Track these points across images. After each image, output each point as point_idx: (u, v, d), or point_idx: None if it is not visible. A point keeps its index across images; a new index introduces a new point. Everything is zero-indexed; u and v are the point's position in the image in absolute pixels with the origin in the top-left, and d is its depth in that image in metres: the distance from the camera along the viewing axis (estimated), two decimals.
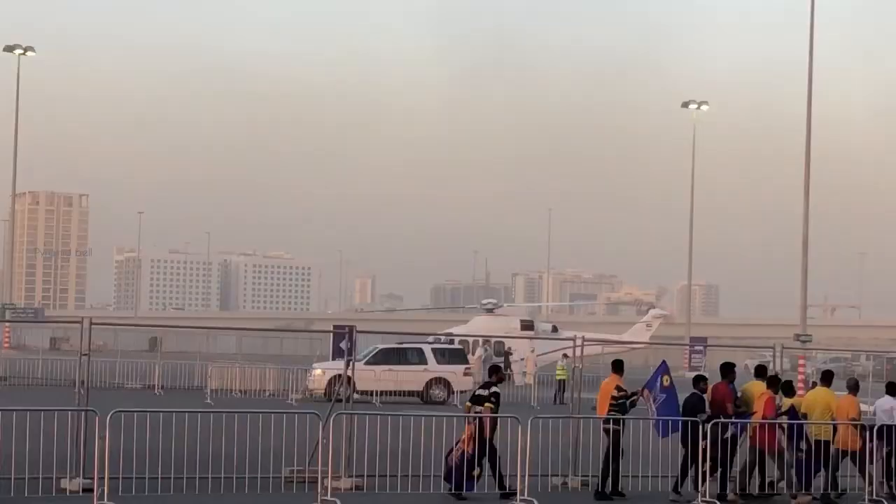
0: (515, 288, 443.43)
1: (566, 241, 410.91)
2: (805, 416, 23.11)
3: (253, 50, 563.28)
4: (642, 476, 23.54)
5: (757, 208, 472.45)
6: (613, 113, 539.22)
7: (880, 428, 22.96)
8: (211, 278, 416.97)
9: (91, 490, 18.73)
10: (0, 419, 20.15)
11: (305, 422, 21.78)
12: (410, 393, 49.61)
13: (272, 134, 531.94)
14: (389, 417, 23.54)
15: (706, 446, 21.83)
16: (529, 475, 21.05)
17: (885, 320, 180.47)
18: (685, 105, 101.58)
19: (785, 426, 22.67)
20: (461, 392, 51.66)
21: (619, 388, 22.87)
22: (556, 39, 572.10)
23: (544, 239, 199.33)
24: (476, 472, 21.73)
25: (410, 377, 49.76)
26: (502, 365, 72.80)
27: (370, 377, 47.56)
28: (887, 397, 23.67)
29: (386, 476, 22.31)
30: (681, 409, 22.67)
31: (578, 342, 26.25)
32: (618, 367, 23.35)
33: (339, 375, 49.52)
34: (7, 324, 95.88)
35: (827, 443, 22.97)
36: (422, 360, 51.13)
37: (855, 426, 22.89)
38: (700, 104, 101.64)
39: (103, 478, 18.41)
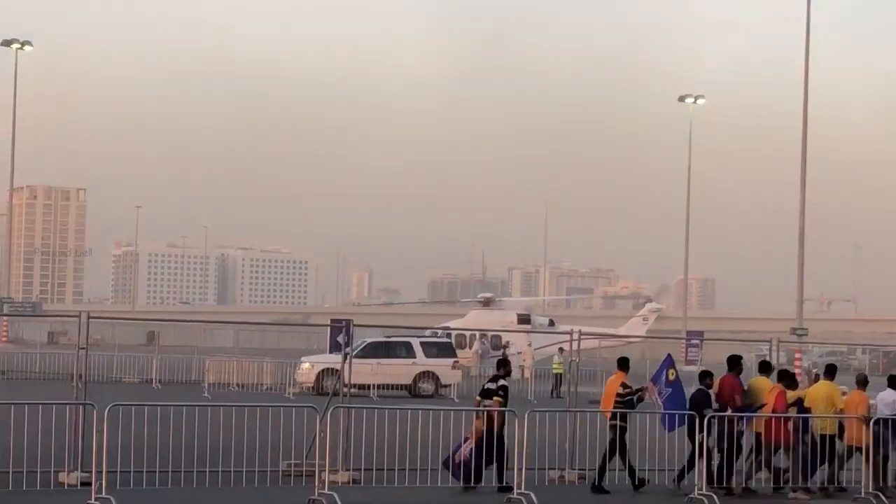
0: (512, 282, 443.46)
1: (563, 236, 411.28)
2: (808, 410, 23.16)
3: (252, 47, 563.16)
4: (649, 469, 23.59)
5: (753, 203, 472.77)
6: (610, 109, 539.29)
7: (886, 421, 22.97)
8: (208, 272, 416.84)
9: (89, 483, 18.78)
10: None
11: (303, 415, 21.82)
12: (399, 387, 49.49)
13: (270, 129, 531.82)
14: (387, 411, 23.58)
15: (703, 440, 21.89)
16: (526, 468, 21.12)
17: (880, 314, 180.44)
18: (682, 99, 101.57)
19: (792, 419, 22.71)
20: (449, 386, 51.82)
21: (624, 385, 22.92)
22: (553, 37, 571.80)
23: (541, 233, 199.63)
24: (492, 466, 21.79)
25: (399, 371, 49.67)
26: (502, 357, 73.03)
27: (363, 371, 47.56)
28: (889, 390, 23.73)
29: (383, 470, 22.36)
30: (687, 405, 22.71)
31: (575, 336, 26.30)
32: (623, 364, 23.37)
33: (328, 369, 50.10)
34: (5, 318, 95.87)
35: (831, 437, 23.01)
36: (410, 353, 51.12)
37: (866, 422, 22.91)
38: (696, 98, 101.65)
39: (101, 471, 18.45)
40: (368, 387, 46.73)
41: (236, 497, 20.35)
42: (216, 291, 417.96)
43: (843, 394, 23.87)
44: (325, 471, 19.90)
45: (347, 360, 23.39)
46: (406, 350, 51.13)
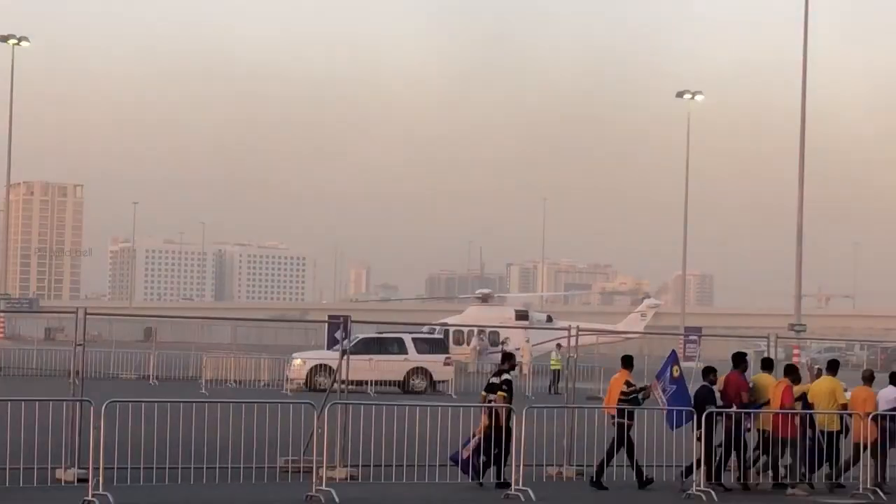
0: (510, 278, 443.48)
1: (561, 232, 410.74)
2: (811, 406, 23.14)
3: (251, 45, 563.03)
4: (656, 466, 23.55)
5: (752, 199, 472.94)
6: (608, 104, 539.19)
7: (885, 417, 22.96)
8: (206, 269, 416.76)
9: (86, 480, 18.73)
10: None
11: (300, 412, 21.79)
12: (391, 383, 49.36)
13: (268, 126, 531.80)
14: (384, 407, 23.54)
15: (704, 436, 21.86)
16: (524, 465, 21.10)
17: (879, 310, 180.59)
18: (679, 95, 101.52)
19: (798, 414, 22.68)
20: (441, 382, 51.78)
21: (628, 384, 22.89)
22: (552, 36, 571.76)
23: (539, 229, 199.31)
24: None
25: (391, 367, 49.54)
26: (501, 351, 73.00)
27: (355, 367, 47.36)
28: (891, 387, 23.71)
29: (381, 466, 22.33)
30: (692, 402, 22.69)
31: (573, 332, 26.26)
32: (627, 362, 23.29)
33: (319, 365, 50.05)
34: (2, 314, 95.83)
35: (833, 433, 22.99)
36: (402, 349, 51.02)
37: (873, 418, 22.89)
38: (694, 94, 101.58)
39: (98, 468, 18.41)
40: (360, 383, 46.59)
41: (233, 493, 20.32)
42: (213, 288, 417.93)
43: (845, 390, 23.84)
44: (322, 467, 19.87)
45: (345, 357, 23.34)
46: (398, 346, 51.03)
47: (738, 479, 22.90)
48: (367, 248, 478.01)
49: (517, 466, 20.92)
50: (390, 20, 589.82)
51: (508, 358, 23.19)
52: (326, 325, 56.24)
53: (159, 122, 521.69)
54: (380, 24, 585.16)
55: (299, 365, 50.69)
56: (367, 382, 47.80)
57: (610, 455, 22.59)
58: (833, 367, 24.05)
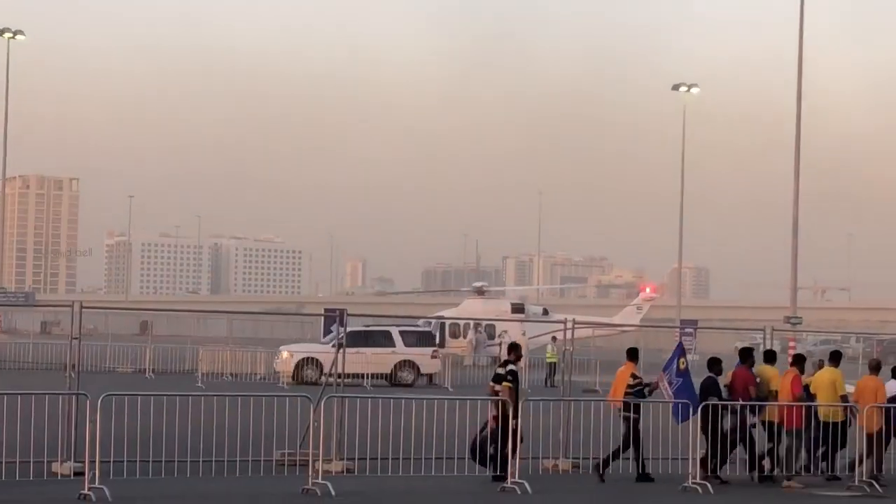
0: (506, 271, 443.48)
1: (557, 225, 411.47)
2: (814, 397, 23.17)
3: (248, 39, 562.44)
4: (662, 459, 23.56)
5: (747, 192, 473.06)
6: (605, 100, 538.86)
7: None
8: (202, 262, 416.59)
9: (82, 473, 18.74)
10: None
11: (296, 405, 21.79)
12: (378, 375, 49.17)
13: (264, 120, 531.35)
14: (380, 400, 23.54)
15: (700, 428, 21.88)
16: (520, 457, 21.11)
17: (874, 302, 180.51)
18: (675, 88, 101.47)
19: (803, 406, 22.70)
20: (429, 375, 51.74)
21: (634, 376, 22.88)
22: (549, 32, 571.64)
23: (535, 222, 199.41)
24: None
25: (378, 360, 49.38)
26: (505, 343, 72.96)
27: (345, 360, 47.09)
28: (893, 381, 23.75)
29: (377, 459, 22.34)
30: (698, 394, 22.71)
31: (569, 325, 26.27)
32: (633, 354, 23.28)
33: (307, 358, 49.98)
34: None
35: (835, 424, 23.01)
36: (389, 342, 50.90)
37: (879, 408, 22.94)
38: (690, 87, 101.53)
39: (94, 461, 18.42)
40: (347, 375, 46.40)
41: (230, 487, 20.32)
42: (209, 281, 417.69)
43: (849, 384, 23.91)
44: (318, 460, 19.88)
45: (341, 350, 23.34)
46: (385, 339, 50.86)
47: (751, 472, 22.84)
48: (363, 241, 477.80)
49: (513, 459, 20.94)
50: (389, 18, 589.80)
51: (514, 349, 23.19)
52: (322, 318, 56.19)
53: (155, 116, 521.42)
54: (378, 21, 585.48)
55: (286, 358, 50.69)
56: (353, 375, 47.80)
57: (619, 450, 22.58)
58: (835, 357, 24.08)
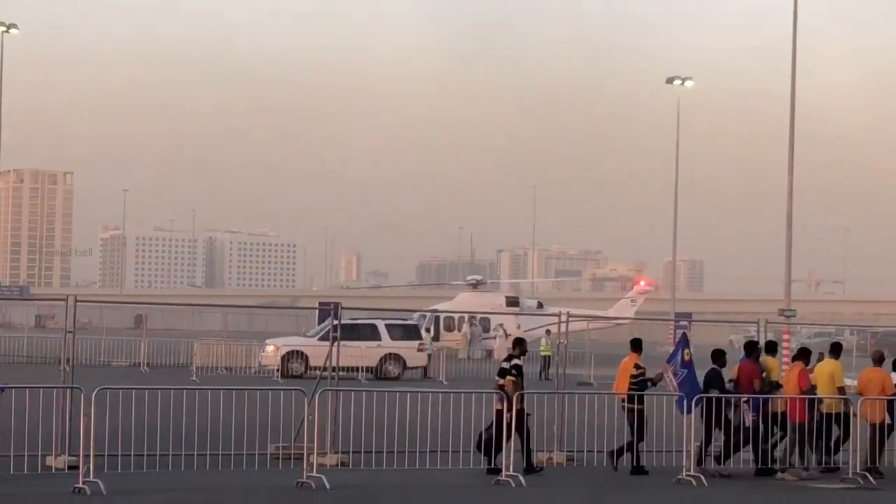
0: (501, 264, 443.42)
1: (551, 218, 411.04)
2: (814, 388, 23.24)
3: (242, 30, 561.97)
4: (657, 451, 23.58)
5: (742, 185, 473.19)
6: (599, 92, 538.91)
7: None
8: (196, 256, 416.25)
9: (76, 467, 18.74)
10: None
11: (291, 398, 21.80)
12: (364, 369, 49.10)
13: (259, 113, 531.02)
14: (375, 394, 23.57)
15: (692, 420, 21.92)
16: (514, 450, 21.14)
17: (868, 295, 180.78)
18: (670, 81, 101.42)
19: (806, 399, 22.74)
20: (422, 368, 51.71)
21: (637, 366, 22.94)
22: (543, 22, 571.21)
23: (529, 216, 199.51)
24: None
25: (364, 353, 49.32)
26: (491, 337, 72.68)
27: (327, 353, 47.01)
28: (894, 374, 23.81)
29: (372, 452, 22.35)
30: (701, 385, 22.76)
31: (563, 318, 26.28)
32: (636, 345, 23.38)
33: (293, 352, 49.96)
34: None
35: (834, 415, 23.06)
36: (375, 335, 50.82)
37: (882, 399, 23.01)
38: (684, 80, 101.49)
39: (89, 455, 18.42)
40: (333, 369, 46.28)
41: (224, 480, 20.33)
42: (204, 275, 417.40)
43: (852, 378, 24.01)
44: (313, 453, 19.89)
45: (336, 343, 23.34)
46: (371, 332, 50.77)
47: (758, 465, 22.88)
48: (357, 235, 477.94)
49: (507, 453, 20.97)
50: (383, 7, 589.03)
51: (519, 343, 23.27)
52: (317, 311, 56.22)
53: (149, 110, 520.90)
54: (372, 10, 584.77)
55: (272, 352, 50.71)
56: (362, 369, 47.89)
57: (631, 445, 22.60)
58: (836, 350, 24.16)
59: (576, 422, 24.03)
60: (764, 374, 23.33)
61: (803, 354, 23.56)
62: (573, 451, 23.83)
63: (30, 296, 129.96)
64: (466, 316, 73.07)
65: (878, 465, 22.97)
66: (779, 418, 23.02)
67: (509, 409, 21.44)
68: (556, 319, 28.27)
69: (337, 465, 21.74)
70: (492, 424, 21.84)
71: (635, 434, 22.57)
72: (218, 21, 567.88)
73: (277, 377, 47.96)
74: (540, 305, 78.09)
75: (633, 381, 22.82)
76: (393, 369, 50.65)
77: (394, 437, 22.05)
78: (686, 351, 22.92)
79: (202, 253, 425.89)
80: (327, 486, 19.48)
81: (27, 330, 75.80)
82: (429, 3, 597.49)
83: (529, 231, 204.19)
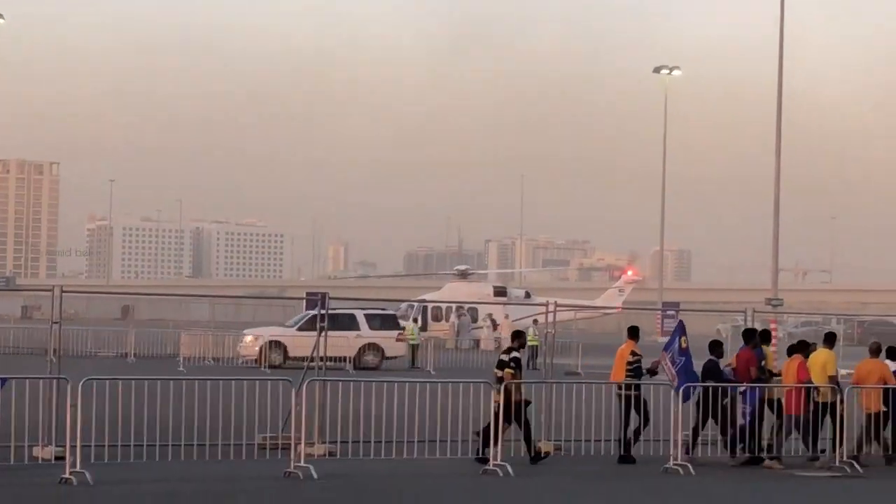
0: (488, 254, 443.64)
1: (539, 208, 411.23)
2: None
3: (228, 18, 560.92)
4: (644, 440, 23.58)
5: (729, 174, 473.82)
6: (586, 80, 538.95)
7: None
8: (183, 246, 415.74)
9: (63, 458, 18.71)
10: None
11: (278, 389, 21.78)
12: (342, 359, 48.91)
13: (245, 102, 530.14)
14: (362, 384, 23.55)
15: (680, 409, 21.95)
16: (502, 440, 21.13)
17: (855, 284, 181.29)
18: (657, 70, 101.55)
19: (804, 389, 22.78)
20: (393, 358, 51.66)
21: (633, 353, 23.01)
22: (531, 10, 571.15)
23: (517, 205, 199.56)
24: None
25: (342, 343, 49.13)
26: (479, 327, 72.64)
27: (308, 343, 46.84)
28: (889, 362, 23.87)
29: (359, 442, 22.33)
30: (700, 376, 22.80)
31: (551, 308, 26.30)
32: (633, 332, 23.48)
33: (272, 342, 49.94)
34: None
35: (823, 405, 23.10)
36: (354, 325, 50.68)
37: (878, 389, 23.08)
38: (672, 69, 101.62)
39: (75, 446, 18.39)
40: (311, 359, 46.07)
41: (212, 470, 20.31)
42: (191, 265, 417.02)
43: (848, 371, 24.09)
44: (300, 444, 19.87)
45: (324, 333, 23.32)
46: (350, 322, 50.63)
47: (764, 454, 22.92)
48: (345, 224, 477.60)
49: (495, 442, 20.97)
50: (369, 2, 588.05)
51: (518, 336, 23.33)
52: (304, 301, 56.19)
53: (134, 99, 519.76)
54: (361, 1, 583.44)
55: (251, 342, 50.66)
56: (349, 359, 47.91)
57: (638, 431, 22.62)
58: (829, 339, 24.24)
59: (563, 411, 24.04)
60: (763, 363, 23.39)
61: (802, 347, 23.60)
62: (560, 441, 23.84)
63: (16, 286, 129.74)
64: (454, 306, 73.12)
65: (867, 453, 23.07)
66: (775, 406, 23.09)
67: (507, 401, 21.57)
68: (543, 309, 28.29)
69: (324, 455, 21.72)
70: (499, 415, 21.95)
71: (641, 420, 22.65)
72: (205, 11, 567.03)
73: (266, 367, 47.92)
74: (528, 295, 78.16)
75: (629, 367, 22.88)
76: (371, 359, 50.59)
77: (381, 426, 22.04)
78: (683, 339, 22.96)
79: (189, 243, 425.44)
80: (315, 476, 19.47)
81: (13, 321, 75.71)
82: None
83: (517, 221, 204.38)
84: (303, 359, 46.81)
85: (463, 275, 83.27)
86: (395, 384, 23.03)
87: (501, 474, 20.54)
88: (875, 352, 24.03)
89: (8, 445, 19.96)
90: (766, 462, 22.69)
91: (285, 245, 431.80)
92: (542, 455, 22.27)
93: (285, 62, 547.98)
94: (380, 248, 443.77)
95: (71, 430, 18.42)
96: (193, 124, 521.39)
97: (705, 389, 22.56)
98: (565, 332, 55.20)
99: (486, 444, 21.69)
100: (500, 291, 79.27)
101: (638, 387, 22.81)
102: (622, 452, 22.72)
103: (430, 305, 72.78)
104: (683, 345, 22.84)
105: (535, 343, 55.82)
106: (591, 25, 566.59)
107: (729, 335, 41.11)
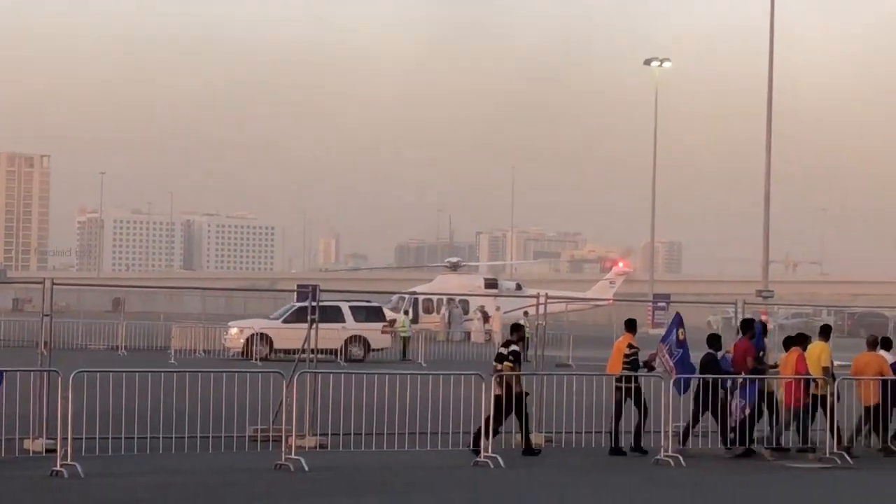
0: (479, 246, 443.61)
1: (530, 200, 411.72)
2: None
3: (219, 9, 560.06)
4: (643, 431, 23.60)
5: (720, 165, 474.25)
6: (577, 73, 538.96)
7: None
8: (174, 238, 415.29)
9: (54, 450, 18.70)
10: None
11: (269, 381, 21.78)
12: (328, 351, 48.78)
13: (236, 95, 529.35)
14: (353, 376, 23.55)
15: (671, 401, 21.99)
16: (493, 432, 21.16)
17: (845, 276, 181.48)
18: (647, 62, 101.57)
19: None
20: (378, 350, 51.59)
21: (630, 346, 23.04)
22: (520, 1, 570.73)
23: (508, 198, 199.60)
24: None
25: (327, 335, 48.90)
26: (470, 319, 72.64)
27: (292, 335, 46.81)
28: (884, 353, 23.94)
29: (350, 434, 22.34)
30: (697, 368, 22.84)
31: (542, 300, 26.31)
32: (631, 325, 23.51)
33: (256, 334, 49.86)
34: None
35: (816, 397, 23.15)
36: (339, 318, 50.47)
37: (876, 381, 23.14)
38: (662, 61, 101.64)
39: (66, 438, 18.38)
40: (294, 351, 45.88)
41: (203, 463, 20.31)
42: (182, 258, 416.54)
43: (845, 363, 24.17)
44: (291, 436, 19.88)
45: (314, 326, 23.32)
46: (335, 314, 50.46)
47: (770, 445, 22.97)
48: (336, 217, 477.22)
49: (486, 434, 20.99)
50: None
51: (517, 329, 23.36)
52: (295, 294, 56.14)
53: (125, 91, 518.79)
54: None
55: (236, 334, 50.60)
56: (339, 351, 47.91)
57: (640, 426, 22.62)
58: (825, 331, 24.35)
59: (554, 403, 24.07)
60: (761, 353, 23.43)
61: (801, 340, 23.64)
62: (552, 433, 23.86)
63: (7, 279, 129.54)
64: (445, 298, 73.11)
65: (866, 445, 23.18)
66: (774, 398, 23.10)
67: (508, 393, 21.65)
68: (534, 301, 28.31)
69: (316, 448, 21.73)
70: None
71: (641, 413, 22.68)
72: (197, 3, 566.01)
73: (257, 360, 47.89)
74: (518, 287, 78.17)
75: (625, 360, 22.92)
76: (356, 351, 50.55)
77: (372, 419, 22.05)
78: (681, 330, 22.99)
79: (180, 236, 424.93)
80: (306, 468, 19.48)
81: (4, 313, 75.60)
82: None
83: (508, 213, 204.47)
84: (288, 351, 46.99)
85: (454, 267, 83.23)
86: (386, 376, 23.04)
87: (492, 466, 20.57)
88: (872, 344, 24.09)
89: None
90: (758, 448, 22.72)
91: (276, 237, 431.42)
92: (536, 451, 22.28)
93: (277, 55, 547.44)
94: (371, 241, 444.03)
95: (62, 422, 18.41)
96: (184, 117, 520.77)
97: (703, 382, 22.57)
98: (556, 324, 55.14)
99: (486, 435, 21.76)
100: (491, 283, 79.24)
101: (637, 379, 22.84)
102: (613, 444, 22.76)
103: (421, 297, 72.75)
104: (681, 336, 22.88)
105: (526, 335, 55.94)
106: (583, 17, 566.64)
107: (720, 327, 41.16)
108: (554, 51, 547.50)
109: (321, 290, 24.33)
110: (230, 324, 52.68)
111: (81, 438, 19.29)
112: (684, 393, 22.90)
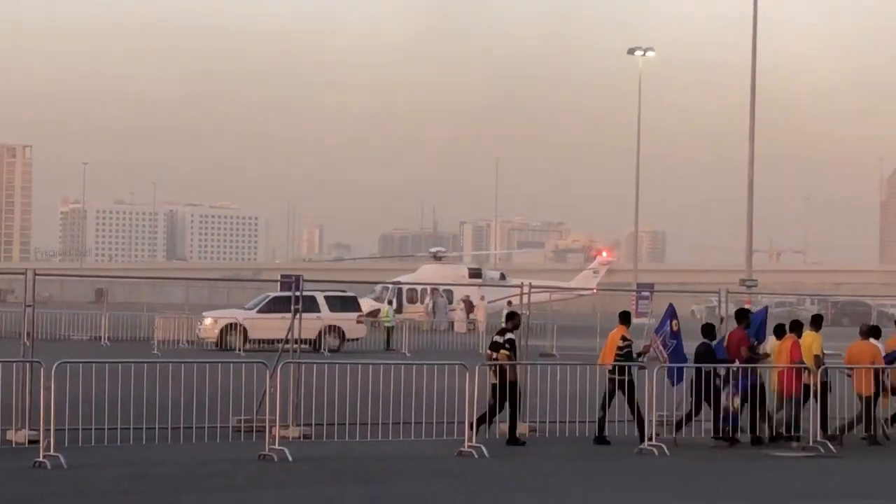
0: (463, 236, 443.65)
1: (513, 190, 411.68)
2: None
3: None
4: (619, 421, 23.62)
5: (703, 154, 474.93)
6: (561, 61, 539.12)
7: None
8: (157, 229, 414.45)
9: (37, 441, 18.65)
10: None
11: (252, 371, 21.74)
12: (304, 341, 48.56)
13: (219, 84, 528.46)
14: (337, 366, 23.50)
15: (653, 390, 22.00)
16: (502, 422, 21.18)
17: (829, 264, 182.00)
18: (631, 52, 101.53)
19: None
20: (354, 340, 51.56)
21: (624, 339, 23.07)
22: None
23: (492, 187, 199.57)
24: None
25: (304, 325, 48.66)
26: (453, 310, 72.59)
27: (267, 325, 46.72)
28: (874, 342, 24.01)
29: (334, 425, 22.32)
30: (692, 358, 22.86)
31: (526, 289, 26.29)
32: (625, 318, 23.54)
33: (231, 325, 49.80)
34: None
35: (808, 386, 23.20)
36: (314, 308, 50.30)
37: (873, 371, 23.19)
38: (646, 51, 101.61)
39: (49, 429, 18.33)
40: (270, 341, 45.83)
41: (187, 453, 20.27)
42: (165, 248, 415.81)
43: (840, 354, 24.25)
44: (275, 426, 19.85)
45: (298, 316, 23.27)
46: (310, 304, 50.32)
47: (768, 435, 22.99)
48: (320, 207, 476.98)
49: (470, 424, 20.99)
50: None
51: (512, 317, 23.36)
52: (279, 284, 56.06)
53: (108, 81, 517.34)
54: None
55: (210, 325, 50.47)
56: (324, 342, 47.91)
57: (641, 418, 22.59)
58: (816, 321, 24.41)
59: (538, 393, 24.07)
60: (754, 342, 23.47)
61: (796, 327, 23.69)
62: (536, 422, 23.87)
63: None
64: (429, 288, 73.07)
65: (864, 436, 23.28)
66: (767, 387, 23.14)
67: (503, 382, 21.69)
68: (518, 291, 28.28)
69: (299, 438, 21.71)
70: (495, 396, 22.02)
71: (635, 410, 22.67)
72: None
73: (240, 350, 47.80)
74: (503, 277, 78.16)
75: (619, 352, 22.93)
76: (332, 341, 50.48)
77: (356, 409, 22.02)
78: (674, 321, 23.03)
79: (163, 226, 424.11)
80: (290, 458, 19.45)
81: None
82: None
83: (492, 202, 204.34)
84: (263, 341, 46.89)
85: (436, 257, 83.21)
86: (370, 366, 23.02)
87: (477, 456, 20.56)
88: (866, 333, 24.15)
89: None
90: (738, 433, 22.80)
91: (260, 228, 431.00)
92: (521, 441, 22.32)
93: (259, 44, 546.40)
94: (355, 231, 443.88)
95: (44, 413, 18.36)
96: (166, 107, 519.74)
97: (697, 373, 22.59)
98: (540, 314, 55.17)
99: (488, 422, 21.85)
100: (475, 273, 79.22)
101: (630, 372, 22.84)
102: (597, 434, 22.79)
103: (405, 287, 72.73)
104: (675, 328, 22.93)
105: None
106: (567, 7, 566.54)
107: (703, 316, 41.23)
108: (538, 41, 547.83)
109: (304, 280, 24.23)
110: (204, 314, 52.52)
111: (64, 429, 19.24)
112: (678, 384, 22.90)
